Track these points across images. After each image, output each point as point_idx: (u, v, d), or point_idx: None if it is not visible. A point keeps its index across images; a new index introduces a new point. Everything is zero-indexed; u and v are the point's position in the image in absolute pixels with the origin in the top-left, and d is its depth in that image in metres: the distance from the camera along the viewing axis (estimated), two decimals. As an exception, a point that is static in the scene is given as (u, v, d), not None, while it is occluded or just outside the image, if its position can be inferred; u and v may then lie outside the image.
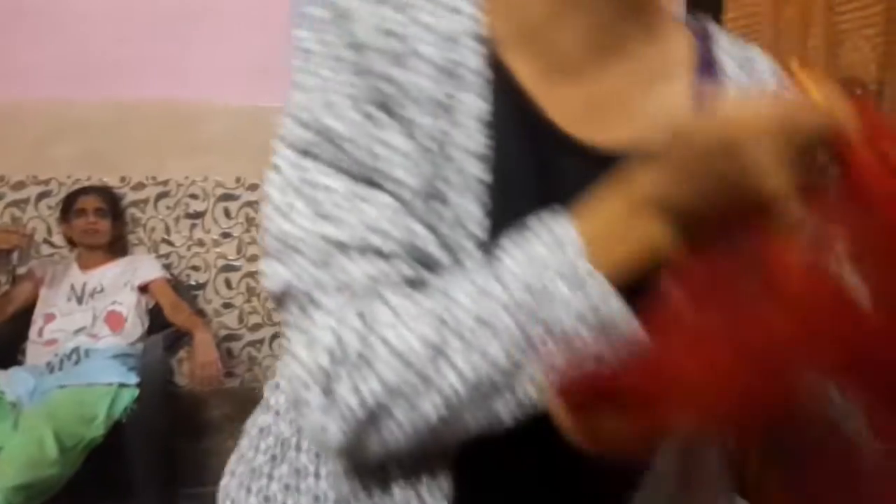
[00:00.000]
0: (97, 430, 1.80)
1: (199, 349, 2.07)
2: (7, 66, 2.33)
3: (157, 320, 2.23)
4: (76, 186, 2.34)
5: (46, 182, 2.41)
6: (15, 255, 2.22)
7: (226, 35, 2.40)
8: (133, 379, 1.95)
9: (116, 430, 1.85)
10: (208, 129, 2.42)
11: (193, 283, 2.50)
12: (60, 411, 1.76)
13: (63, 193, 2.34)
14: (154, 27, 2.39)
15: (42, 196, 2.42)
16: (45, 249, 2.40)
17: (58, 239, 2.38)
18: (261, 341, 2.55)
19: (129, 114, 2.41)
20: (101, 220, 2.23)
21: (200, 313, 2.40)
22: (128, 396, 1.92)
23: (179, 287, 2.39)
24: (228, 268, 2.52)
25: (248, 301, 2.54)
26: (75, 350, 2.03)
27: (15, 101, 2.36)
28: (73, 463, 1.73)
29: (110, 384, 1.90)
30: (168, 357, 2.11)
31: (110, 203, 2.29)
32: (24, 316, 2.18)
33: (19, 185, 2.42)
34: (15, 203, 2.42)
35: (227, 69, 2.34)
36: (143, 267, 2.27)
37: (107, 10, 2.39)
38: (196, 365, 2.05)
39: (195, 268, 2.51)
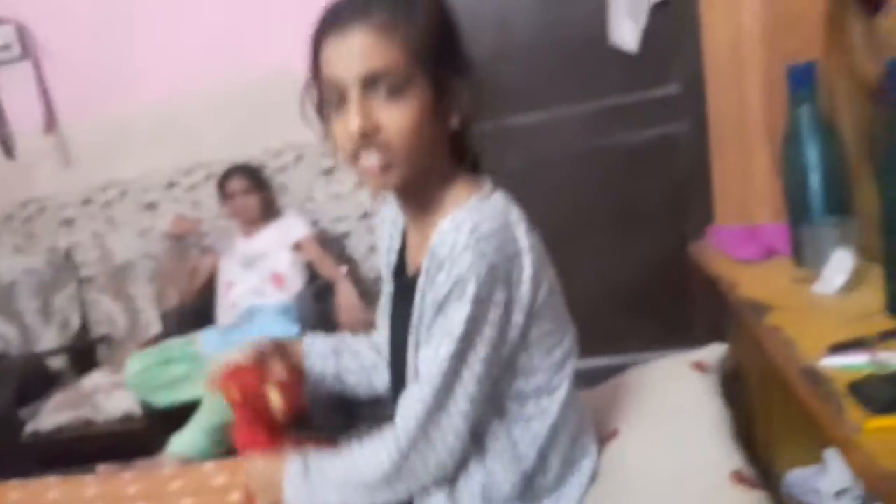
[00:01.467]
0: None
1: (341, 297, 2.36)
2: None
3: (314, 274, 2.56)
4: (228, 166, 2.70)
5: (207, 165, 2.81)
6: (192, 237, 2.65)
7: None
8: (294, 329, 2.30)
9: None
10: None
11: (340, 232, 2.79)
12: (239, 364, 2.15)
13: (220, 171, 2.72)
14: (252, 10, 2.60)
15: (209, 177, 2.82)
16: (220, 222, 2.84)
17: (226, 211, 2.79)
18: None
19: (256, 90, 2.67)
20: (248, 197, 2.56)
21: (347, 260, 2.69)
22: (293, 344, 2.27)
23: (327, 239, 2.69)
24: (366, 214, 2.77)
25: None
26: (249, 309, 2.42)
27: (166, 98, 2.75)
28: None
29: (275, 336, 2.25)
30: (321, 305, 2.42)
31: (253, 178, 2.61)
32: (212, 283, 2.64)
33: (189, 172, 2.85)
34: (192, 187, 2.87)
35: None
36: (292, 227, 2.59)
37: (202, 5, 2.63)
38: (341, 311, 2.35)
39: (339, 219, 2.79)
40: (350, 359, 1.16)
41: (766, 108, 1.52)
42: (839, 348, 0.89)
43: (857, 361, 0.85)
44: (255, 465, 1.01)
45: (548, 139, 2.52)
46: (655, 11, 2.32)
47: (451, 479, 0.92)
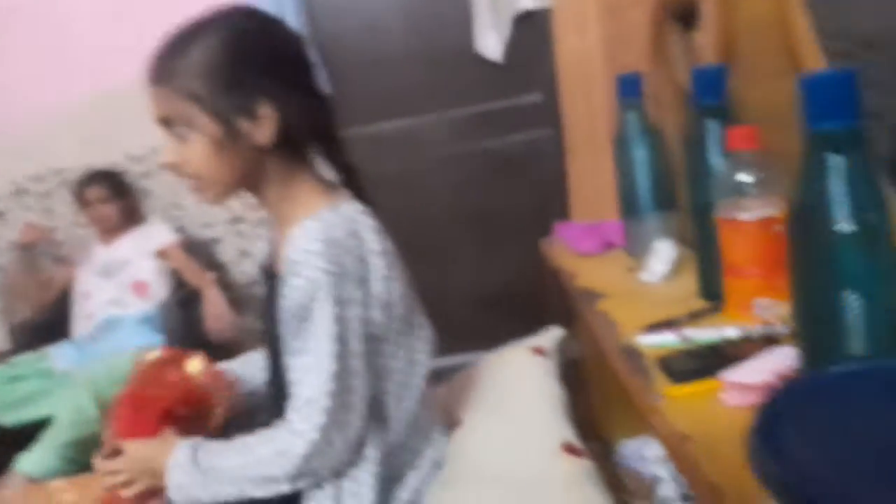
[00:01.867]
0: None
1: (209, 304, 2.30)
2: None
3: (180, 281, 2.47)
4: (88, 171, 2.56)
5: (60, 172, 2.65)
6: (43, 246, 2.49)
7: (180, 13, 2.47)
8: (158, 339, 2.21)
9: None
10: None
11: (209, 237, 2.71)
12: (96, 377, 2.05)
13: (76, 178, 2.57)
14: (107, 19, 2.50)
15: (63, 184, 2.66)
16: (77, 230, 2.68)
17: (84, 220, 2.64)
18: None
19: (113, 98, 2.57)
20: (107, 205, 2.44)
21: (216, 266, 2.62)
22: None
23: (195, 244, 2.61)
24: (237, 219, 2.71)
25: (259, 240, 2.73)
26: (107, 320, 2.30)
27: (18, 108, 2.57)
28: (115, 419, 2.03)
29: (137, 347, 2.16)
30: (187, 313, 2.35)
31: (112, 185, 2.49)
32: (68, 296, 2.49)
33: (41, 179, 2.67)
34: (45, 194, 2.69)
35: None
36: (156, 233, 2.49)
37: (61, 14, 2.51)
38: (209, 318, 2.29)
39: (207, 224, 2.71)
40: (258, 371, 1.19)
41: (610, 115, 1.64)
42: (653, 328, 0.99)
43: (667, 339, 0.95)
44: (136, 448, 0.99)
45: (418, 145, 2.58)
46: (518, 22, 2.44)
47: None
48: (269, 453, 0.92)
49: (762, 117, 0.93)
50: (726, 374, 0.78)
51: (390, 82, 2.55)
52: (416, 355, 1.01)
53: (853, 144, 0.63)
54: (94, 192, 2.44)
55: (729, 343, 0.90)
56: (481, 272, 2.57)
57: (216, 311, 2.29)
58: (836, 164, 0.63)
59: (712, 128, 0.99)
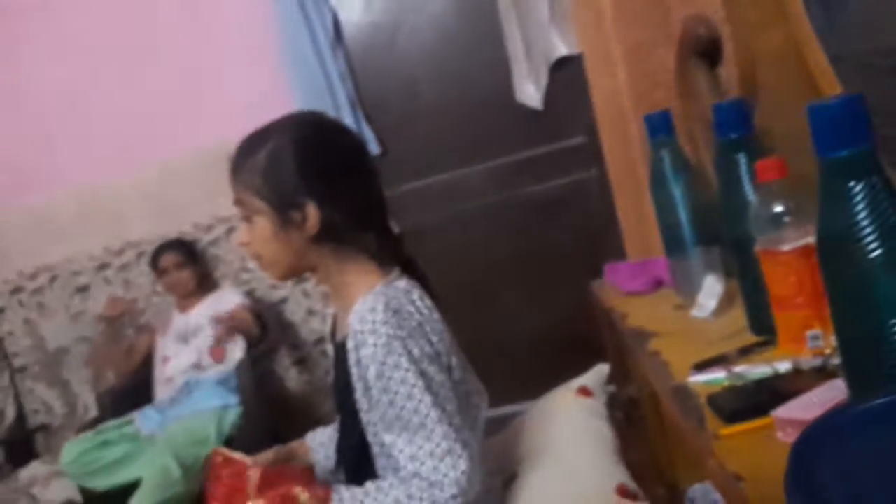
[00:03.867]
0: (210, 447, 2.17)
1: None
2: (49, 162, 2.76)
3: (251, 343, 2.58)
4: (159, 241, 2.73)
5: (137, 244, 2.84)
6: (126, 317, 2.65)
7: (229, 83, 2.66)
8: (234, 399, 2.31)
9: (229, 446, 2.22)
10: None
11: (276, 299, 2.83)
12: (177, 438, 2.16)
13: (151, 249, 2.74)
14: (168, 92, 2.70)
15: (140, 255, 2.84)
16: (155, 299, 2.85)
17: (161, 288, 2.80)
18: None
19: (177, 169, 2.75)
20: (182, 271, 2.60)
21: (284, 327, 2.73)
22: (233, 414, 2.28)
23: (264, 306, 2.72)
24: (302, 280, 2.82)
25: (327, 305, 2.82)
26: (186, 384, 2.42)
27: (90, 183, 2.79)
28: (197, 479, 2.12)
29: (215, 407, 2.27)
30: (261, 370, 2.45)
31: (185, 254, 2.65)
32: (150, 361, 2.63)
33: (120, 252, 2.87)
34: (124, 267, 2.88)
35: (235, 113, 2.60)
36: (226, 298, 2.62)
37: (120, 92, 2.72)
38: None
39: (274, 286, 2.83)
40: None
41: (646, 153, 1.66)
42: (703, 366, 0.99)
43: (717, 377, 0.95)
44: None
45: (463, 195, 2.64)
46: (556, 67, 2.50)
47: None
48: None
49: (789, 146, 0.94)
50: (778, 411, 0.78)
51: (434, 136, 2.63)
52: (475, 417, 1.06)
53: (867, 168, 0.62)
54: (168, 259, 2.60)
55: (779, 378, 0.89)
56: (530, 318, 2.58)
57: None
58: (853, 189, 0.62)
59: (741, 161, 1.00)
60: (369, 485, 0.98)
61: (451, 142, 2.64)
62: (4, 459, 2.71)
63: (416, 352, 0.96)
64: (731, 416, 0.84)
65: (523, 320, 2.57)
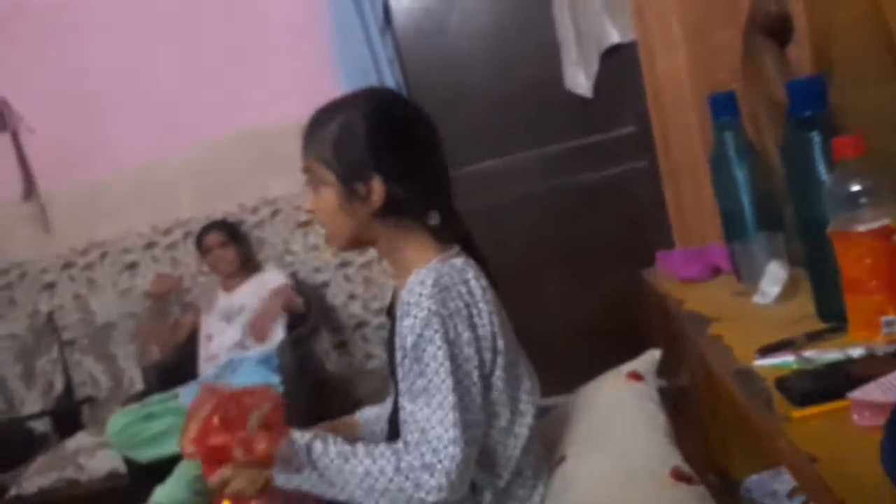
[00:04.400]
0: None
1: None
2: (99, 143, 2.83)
3: (293, 324, 2.60)
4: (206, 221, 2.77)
5: (185, 223, 2.88)
6: (173, 295, 2.70)
7: (276, 63, 2.68)
8: (275, 378, 2.33)
9: (269, 423, 2.24)
10: (288, 147, 2.70)
11: (319, 282, 2.85)
12: (221, 415, 2.18)
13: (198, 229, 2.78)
14: (213, 74, 2.73)
15: (187, 235, 2.89)
16: (200, 279, 2.89)
17: (207, 268, 2.84)
18: (387, 324, 2.83)
19: (225, 149, 2.78)
20: (226, 250, 2.63)
21: (326, 309, 2.75)
22: (274, 393, 2.30)
23: (305, 289, 2.74)
24: (344, 264, 2.84)
25: (368, 290, 2.84)
26: (230, 362, 2.46)
27: (140, 162, 2.84)
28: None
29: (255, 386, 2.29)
30: (299, 353, 2.46)
31: (230, 233, 2.68)
32: (195, 339, 2.68)
33: (168, 232, 2.92)
34: (171, 246, 2.93)
35: (282, 93, 2.63)
36: (270, 279, 2.65)
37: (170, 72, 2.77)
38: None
39: (316, 269, 2.85)
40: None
41: (705, 140, 1.62)
42: (769, 350, 0.96)
43: (785, 360, 0.92)
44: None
45: (510, 182, 2.62)
46: (607, 56, 2.46)
47: None
48: (400, 482, 0.93)
49: (866, 124, 0.90)
50: (855, 393, 0.75)
51: (480, 123, 2.61)
52: (520, 405, 1.05)
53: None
54: (213, 237, 2.64)
55: (852, 362, 0.86)
56: (576, 307, 2.55)
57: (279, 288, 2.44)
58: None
59: (814, 140, 0.97)
60: (359, 446, 0.98)
61: (498, 129, 2.62)
62: (52, 429, 2.79)
63: (451, 333, 0.96)
64: (803, 399, 0.81)
65: (569, 309, 2.54)
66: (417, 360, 0.96)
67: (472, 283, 1.01)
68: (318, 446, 0.97)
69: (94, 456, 2.42)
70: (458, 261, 1.04)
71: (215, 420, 1.02)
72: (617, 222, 2.53)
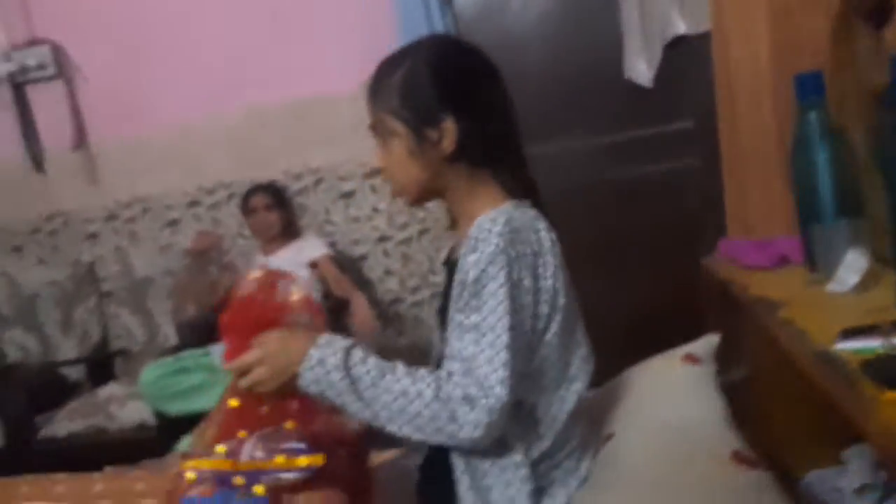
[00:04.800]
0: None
1: (357, 310, 2.39)
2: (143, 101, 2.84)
3: (328, 292, 2.59)
4: (252, 184, 2.77)
5: (229, 185, 2.88)
6: (213, 253, 2.70)
7: (331, 36, 2.67)
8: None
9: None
10: (337, 118, 2.69)
11: (357, 255, 2.83)
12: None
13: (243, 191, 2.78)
14: (265, 40, 2.73)
15: (231, 197, 2.89)
16: (240, 241, 2.89)
17: (247, 231, 2.84)
18: (421, 302, 2.81)
19: (271, 116, 2.78)
20: (270, 213, 2.63)
21: (363, 283, 2.73)
22: (307, 359, 2.29)
23: (344, 260, 2.73)
24: (383, 238, 2.82)
25: (405, 266, 2.81)
26: (264, 324, 2.45)
27: (190, 120, 2.85)
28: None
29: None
30: (334, 323, 2.45)
31: (276, 197, 2.67)
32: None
33: (212, 192, 2.92)
34: (214, 206, 2.94)
35: (335, 67, 2.62)
36: (309, 247, 2.64)
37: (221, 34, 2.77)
38: (357, 324, 2.38)
39: (355, 241, 2.83)
40: None
41: (780, 129, 1.56)
42: (852, 333, 0.91)
43: (869, 344, 0.87)
44: (271, 339, 0.98)
45: (561, 169, 2.56)
46: (670, 48, 2.40)
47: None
48: (436, 409, 0.90)
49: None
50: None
51: (537, 106, 2.56)
52: (571, 369, 1.02)
53: None
54: (259, 199, 2.64)
55: (946, 350, 0.81)
56: (629, 298, 2.49)
57: (363, 318, 2.37)
58: None
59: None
60: (400, 364, 0.94)
61: (552, 114, 2.57)
62: (86, 377, 2.82)
63: (515, 275, 0.93)
64: (894, 382, 0.76)
65: (622, 300, 2.48)
66: (476, 295, 0.92)
67: (543, 233, 0.99)
68: (357, 352, 0.95)
69: (125, 406, 2.44)
70: (529, 209, 1.02)
71: (258, 295, 1.00)
72: (670, 216, 2.47)
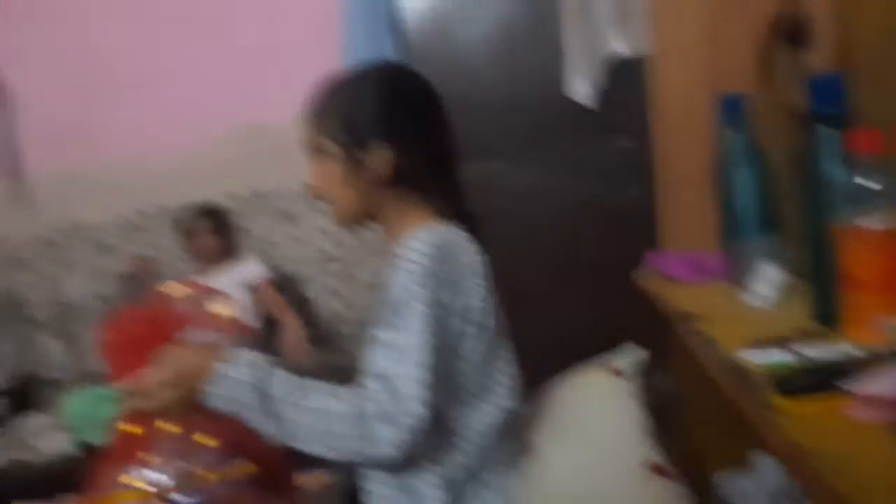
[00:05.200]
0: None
1: (288, 334, 2.35)
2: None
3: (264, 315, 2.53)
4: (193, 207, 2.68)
5: (168, 209, 2.79)
6: (146, 277, 2.61)
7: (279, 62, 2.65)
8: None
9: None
10: (280, 142, 2.65)
11: (299, 275, 2.78)
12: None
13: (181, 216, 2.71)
14: (209, 66, 2.70)
15: (167, 221, 2.79)
16: (179, 264, 2.80)
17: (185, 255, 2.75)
18: (365, 322, 2.76)
19: (218, 141, 2.75)
20: (211, 237, 2.58)
21: (304, 302, 2.68)
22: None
23: (284, 282, 2.68)
24: (330, 259, 2.77)
25: (349, 287, 2.77)
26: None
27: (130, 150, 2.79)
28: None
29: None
30: (269, 345, 2.39)
31: (217, 220, 2.62)
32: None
33: (151, 216, 2.84)
34: (152, 230, 2.84)
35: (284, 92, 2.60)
36: (247, 269, 2.58)
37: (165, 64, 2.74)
38: (287, 347, 2.34)
39: (297, 261, 2.78)
40: None
41: (710, 148, 1.60)
42: (760, 344, 0.91)
43: (778, 356, 0.87)
44: (175, 356, 0.95)
45: (499, 188, 2.59)
46: (616, 71, 2.44)
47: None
48: (356, 429, 0.88)
49: (886, 125, 0.87)
50: (857, 386, 0.70)
51: (484, 126, 2.58)
52: (494, 385, 1.01)
53: None
54: (200, 223, 2.59)
55: (851, 360, 0.81)
56: (566, 318, 2.50)
57: (293, 341, 2.34)
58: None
59: (830, 138, 0.93)
60: (319, 382, 0.92)
61: (498, 133, 2.59)
62: (7, 409, 2.67)
63: (441, 296, 0.92)
64: (798, 391, 0.76)
65: (556, 320, 2.48)
66: (400, 314, 0.91)
67: (473, 255, 0.99)
68: (265, 367, 0.92)
69: (50, 437, 2.32)
70: (455, 228, 1.02)
71: (146, 312, 0.95)
72: (605, 236, 2.51)
